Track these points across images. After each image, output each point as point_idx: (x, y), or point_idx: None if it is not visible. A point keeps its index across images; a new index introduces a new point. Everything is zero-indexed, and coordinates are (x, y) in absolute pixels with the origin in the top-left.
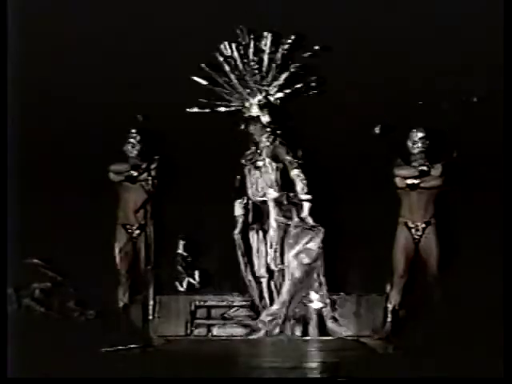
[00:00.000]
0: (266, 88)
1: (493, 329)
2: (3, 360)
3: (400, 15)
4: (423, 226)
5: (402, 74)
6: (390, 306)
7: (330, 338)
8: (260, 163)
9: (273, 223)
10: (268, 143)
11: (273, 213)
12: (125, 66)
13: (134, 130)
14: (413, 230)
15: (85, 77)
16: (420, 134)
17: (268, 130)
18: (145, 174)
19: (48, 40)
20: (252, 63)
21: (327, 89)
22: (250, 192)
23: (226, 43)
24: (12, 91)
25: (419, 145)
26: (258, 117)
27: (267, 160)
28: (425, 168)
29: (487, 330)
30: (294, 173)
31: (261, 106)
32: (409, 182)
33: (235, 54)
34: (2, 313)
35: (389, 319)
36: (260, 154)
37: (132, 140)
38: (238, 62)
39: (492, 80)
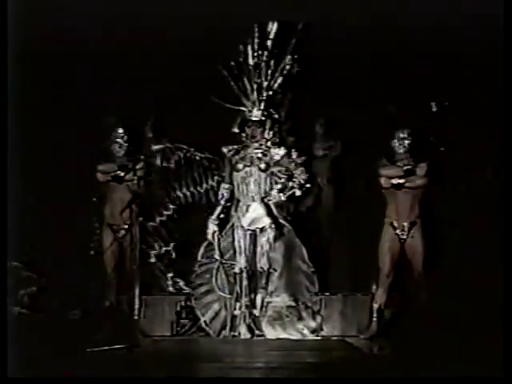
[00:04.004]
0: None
1: (479, 328)
2: (3, 360)
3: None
4: (409, 225)
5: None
6: (375, 306)
7: (313, 338)
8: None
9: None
10: (264, 149)
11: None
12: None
13: (120, 130)
14: (398, 230)
15: None
16: (405, 134)
17: (267, 137)
18: (130, 174)
19: None
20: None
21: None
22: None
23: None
24: None
25: (404, 144)
26: (258, 121)
27: (262, 166)
28: (410, 167)
29: (474, 328)
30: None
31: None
32: (394, 181)
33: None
34: (2, 313)
35: (374, 319)
36: (251, 159)
37: (119, 140)
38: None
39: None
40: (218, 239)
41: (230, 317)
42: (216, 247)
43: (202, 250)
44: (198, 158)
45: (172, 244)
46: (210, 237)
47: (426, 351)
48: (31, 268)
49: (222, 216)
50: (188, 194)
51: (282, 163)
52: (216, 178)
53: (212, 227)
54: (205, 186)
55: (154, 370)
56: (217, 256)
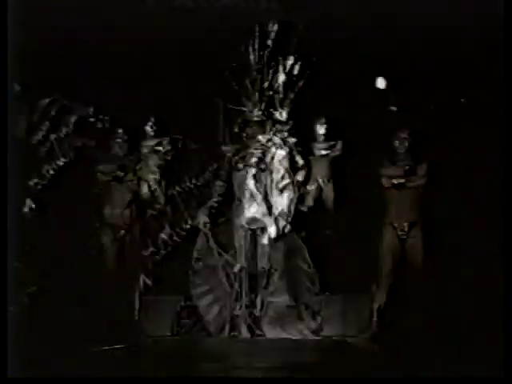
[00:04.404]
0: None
1: (480, 328)
2: (3, 360)
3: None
4: (409, 225)
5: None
6: (375, 306)
7: (313, 338)
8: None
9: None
10: (264, 149)
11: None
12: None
13: (120, 130)
14: (398, 230)
15: None
16: (405, 134)
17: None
18: (130, 174)
19: None
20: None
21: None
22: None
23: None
24: None
25: (405, 144)
26: (260, 121)
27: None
28: (410, 167)
29: (474, 328)
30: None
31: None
32: (394, 181)
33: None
34: (2, 313)
35: (374, 319)
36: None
37: (119, 140)
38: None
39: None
40: (213, 233)
41: (230, 317)
42: (211, 239)
43: (199, 243)
44: (192, 147)
45: (150, 249)
46: (201, 226)
47: (426, 351)
48: (31, 268)
49: (213, 209)
50: (184, 188)
51: (283, 163)
52: (212, 172)
53: (203, 218)
54: (200, 180)
55: (153, 369)
56: (212, 245)
